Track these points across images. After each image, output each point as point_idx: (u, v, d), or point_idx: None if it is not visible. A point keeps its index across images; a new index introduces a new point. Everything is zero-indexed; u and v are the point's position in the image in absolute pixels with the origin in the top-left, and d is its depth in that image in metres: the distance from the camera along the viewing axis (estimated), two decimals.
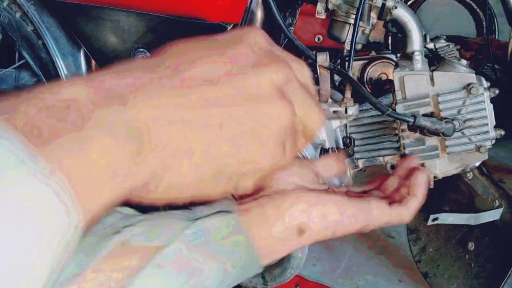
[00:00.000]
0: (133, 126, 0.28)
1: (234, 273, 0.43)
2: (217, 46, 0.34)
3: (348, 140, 0.84)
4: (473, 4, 1.91)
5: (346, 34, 0.88)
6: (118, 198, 0.28)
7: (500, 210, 1.06)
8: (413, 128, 0.82)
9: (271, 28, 0.98)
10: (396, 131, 0.87)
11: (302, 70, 0.38)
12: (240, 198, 0.45)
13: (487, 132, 0.83)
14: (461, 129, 0.82)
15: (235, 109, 0.32)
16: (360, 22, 0.84)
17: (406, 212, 0.50)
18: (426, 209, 1.24)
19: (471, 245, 1.15)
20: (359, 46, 0.89)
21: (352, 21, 0.86)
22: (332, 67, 0.80)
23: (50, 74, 1.12)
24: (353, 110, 0.83)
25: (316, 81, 0.83)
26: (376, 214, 0.48)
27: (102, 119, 0.27)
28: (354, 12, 0.85)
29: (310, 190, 0.47)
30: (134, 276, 0.37)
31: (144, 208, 0.40)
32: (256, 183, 0.37)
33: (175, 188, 0.32)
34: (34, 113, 0.25)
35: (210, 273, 0.40)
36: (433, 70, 0.84)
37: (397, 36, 1.22)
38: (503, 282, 1.06)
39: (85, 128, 0.26)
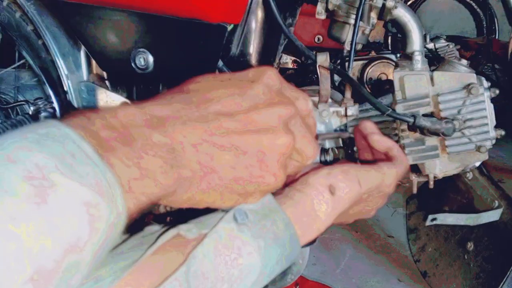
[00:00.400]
0: (170, 145, 0.36)
1: (276, 255, 0.46)
2: (238, 85, 0.43)
3: (348, 140, 0.84)
4: (473, 4, 1.91)
5: (346, 34, 0.88)
6: (151, 200, 0.35)
7: (500, 211, 1.06)
8: (413, 128, 0.82)
9: (271, 28, 0.98)
10: (396, 131, 0.87)
11: (305, 105, 0.48)
12: None
13: (487, 132, 0.83)
14: (461, 129, 0.82)
15: (248, 136, 0.40)
16: (360, 22, 0.84)
17: (400, 157, 0.61)
18: (426, 209, 1.24)
19: (470, 245, 1.15)
20: (359, 46, 0.89)
21: (352, 21, 0.86)
22: (332, 67, 0.80)
23: (50, 74, 1.12)
24: (353, 110, 0.83)
25: (316, 81, 0.83)
26: (386, 169, 0.57)
27: (148, 138, 0.35)
28: (354, 12, 0.85)
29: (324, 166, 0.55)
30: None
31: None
32: (260, 198, 0.44)
33: (195, 197, 0.40)
34: (101, 130, 0.33)
35: (255, 254, 0.44)
36: (433, 70, 0.84)
37: (397, 36, 1.22)
38: (502, 283, 1.06)
39: (135, 144, 0.34)
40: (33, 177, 0.28)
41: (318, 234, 0.50)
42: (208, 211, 0.46)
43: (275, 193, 0.49)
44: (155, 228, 0.46)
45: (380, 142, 0.63)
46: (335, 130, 0.85)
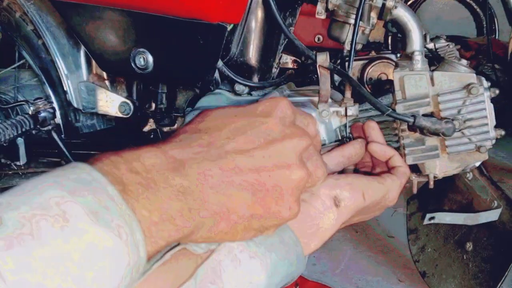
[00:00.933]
0: (189, 188, 0.37)
1: (282, 273, 0.47)
2: (252, 121, 0.42)
3: (348, 140, 0.84)
4: (473, 4, 1.91)
5: (346, 34, 0.87)
6: (170, 243, 0.37)
7: (499, 211, 1.06)
8: (413, 128, 0.82)
9: (271, 28, 0.98)
10: (396, 131, 0.87)
11: (314, 129, 0.49)
12: None
13: (487, 132, 0.83)
14: (461, 129, 0.82)
15: (264, 174, 0.41)
16: (360, 22, 0.84)
17: (402, 168, 0.62)
18: (426, 209, 1.24)
19: (469, 246, 1.15)
20: (359, 46, 0.89)
21: (352, 21, 0.86)
22: (332, 67, 0.80)
23: (50, 74, 1.12)
24: (353, 110, 0.83)
25: (316, 81, 0.83)
26: (389, 182, 0.58)
27: (169, 182, 0.36)
28: (354, 12, 0.85)
29: (330, 174, 0.55)
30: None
31: None
32: (275, 230, 0.45)
33: (214, 237, 0.40)
34: (124, 173, 0.35)
35: (261, 272, 0.45)
36: (433, 70, 0.84)
37: (397, 36, 1.22)
38: (500, 282, 1.06)
39: (157, 188, 0.35)
40: (63, 226, 0.30)
41: (321, 244, 0.51)
42: None
43: None
44: None
45: (381, 152, 0.64)
46: (336, 140, 0.85)
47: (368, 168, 0.69)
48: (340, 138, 0.85)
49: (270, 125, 0.43)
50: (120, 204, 0.33)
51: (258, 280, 0.45)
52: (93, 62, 1.09)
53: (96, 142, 1.20)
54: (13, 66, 1.17)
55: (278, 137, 0.42)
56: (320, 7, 0.89)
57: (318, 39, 1.15)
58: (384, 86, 1.11)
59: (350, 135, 0.82)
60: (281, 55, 1.07)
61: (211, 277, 0.43)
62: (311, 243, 0.50)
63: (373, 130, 0.66)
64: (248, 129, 0.42)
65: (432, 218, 1.08)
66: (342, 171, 0.66)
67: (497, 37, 1.77)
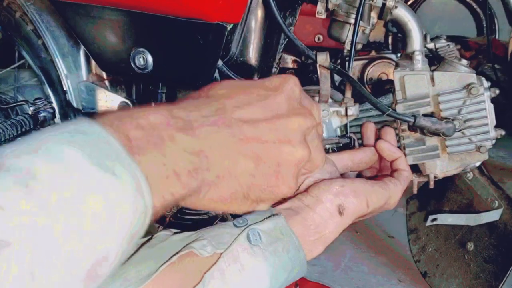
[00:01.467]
0: (196, 148, 0.37)
1: (284, 278, 0.48)
2: (261, 93, 0.43)
3: (348, 138, 0.84)
4: (473, 4, 1.91)
5: (346, 34, 0.87)
6: (175, 199, 0.36)
7: (500, 211, 1.06)
8: (413, 128, 0.82)
9: (271, 27, 0.98)
10: (396, 131, 0.87)
11: (318, 115, 0.49)
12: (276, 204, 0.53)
13: (488, 132, 0.83)
14: (462, 129, 0.82)
15: (269, 146, 0.41)
16: (360, 22, 0.84)
17: (406, 172, 0.63)
18: (427, 209, 1.24)
19: (470, 245, 1.15)
20: (359, 46, 0.89)
21: (352, 21, 0.86)
22: (332, 67, 0.80)
23: (49, 74, 1.12)
24: (353, 110, 0.83)
25: (316, 81, 0.83)
26: (392, 187, 0.59)
27: (176, 140, 0.36)
28: (354, 12, 0.85)
29: (335, 178, 0.56)
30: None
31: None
32: (270, 205, 0.46)
33: (215, 200, 0.41)
34: (130, 129, 0.35)
35: (265, 277, 0.46)
36: (433, 70, 0.84)
37: (397, 36, 1.22)
38: (502, 283, 1.06)
39: (164, 146, 0.35)
40: (66, 173, 0.29)
41: (322, 250, 0.52)
42: (209, 217, 0.47)
43: (283, 201, 0.51)
44: (163, 235, 0.47)
45: (388, 151, 0.64)
46: (336, 136, 0.85)
47: (374, 171, 0.69)
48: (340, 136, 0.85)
49: (279, 100, 0.43)
50: (123, 154, 0.32)
51: (262, 285, 0.45)
52: (93, 62, 1.09)
53: None
54: (13, 66, 1.17)
55: (285, 112, 0.43)
56: (320, 7, 0.89)
57: (318, 38, 1.15)
58: (384, 86, 1.11)
59: (351, 135, 0.82)
60: (281, 55, 1.07)
61: (218, 284, 0.44)
62: (313, 249, 0.51)
63: (389, 135, 0.67)
64: (257, 101, 0.42)
65: (435, 219, 1.08)
66: (344, 173, 0.66)
67: (497, 37, 1.77)
